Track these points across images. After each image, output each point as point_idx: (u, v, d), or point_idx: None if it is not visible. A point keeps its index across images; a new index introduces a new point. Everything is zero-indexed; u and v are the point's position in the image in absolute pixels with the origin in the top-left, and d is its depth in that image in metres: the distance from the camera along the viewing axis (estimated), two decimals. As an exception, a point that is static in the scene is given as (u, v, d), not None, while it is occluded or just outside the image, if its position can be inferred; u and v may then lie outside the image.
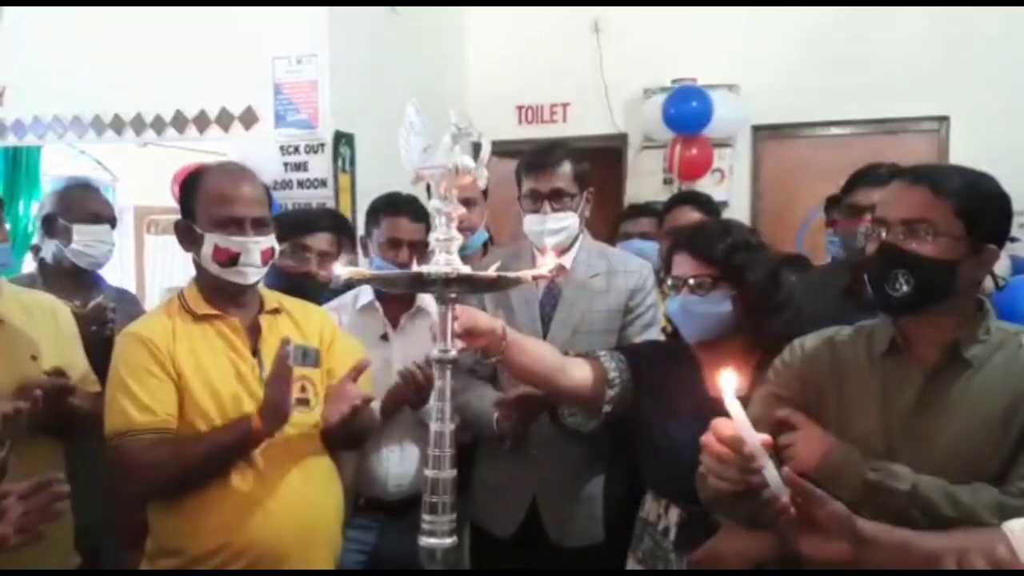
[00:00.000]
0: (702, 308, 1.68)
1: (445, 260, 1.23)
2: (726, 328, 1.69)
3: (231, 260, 1.77)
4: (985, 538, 1.15)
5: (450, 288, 1.22)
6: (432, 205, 1.26)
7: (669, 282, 1.75)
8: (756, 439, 1.12)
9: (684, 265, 1.72)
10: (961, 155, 4.23)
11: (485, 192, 2.73)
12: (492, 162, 1.31)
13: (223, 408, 1.74)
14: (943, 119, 4.69)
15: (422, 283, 1.24)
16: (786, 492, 1.14)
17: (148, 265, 5.62)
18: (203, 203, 1.79)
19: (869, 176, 2.28)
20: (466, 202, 2.67)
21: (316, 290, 2.40)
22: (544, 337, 2.12)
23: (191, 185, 1.83)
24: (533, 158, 2.21)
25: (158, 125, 4.10)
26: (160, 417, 1.70)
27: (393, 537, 2.24)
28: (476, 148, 1.26)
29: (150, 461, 1.69)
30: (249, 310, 1.86)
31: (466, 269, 1.23)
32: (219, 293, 1.83)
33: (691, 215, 2.72)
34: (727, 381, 1.11)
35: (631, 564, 1.77)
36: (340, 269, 1.27)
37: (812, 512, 1.15)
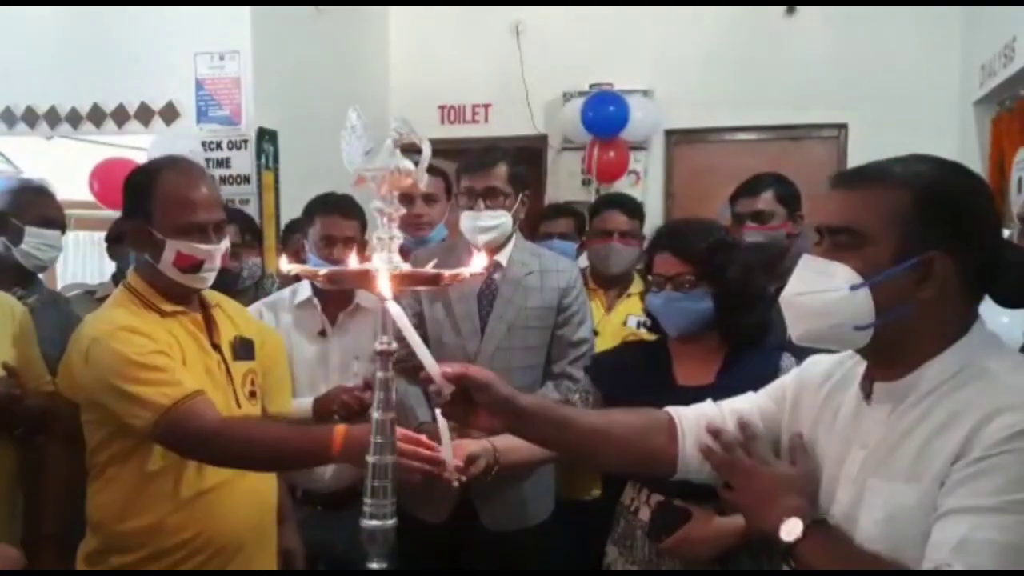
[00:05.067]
0: (684, 304, 1.77)
1: (387, 258, 1.30)
2: (706, 323, 1.78)
3: (194, 267, 1.71)
4: None
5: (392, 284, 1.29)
6: (373, 205, 1.33)
7: (651, 278, 1.83)
8: (417, 341, 1.24)
9: (666, 263, 1.80)
10: (857, 160, 4.46)
11: (449, 191, 2.80)
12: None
13: None
14: (841, 126, 4.98)
15: (367, 279, 1.30)
16: (445, 384, 1.27)
17: (59, 261, 5.42)
18: (162, 206, 1.70)
19: (748, 186, 2.51)
20: (426, 198, 2.75)
21: (230, 282, 2.44)
22: (482, 331, 2.21)
23: (143, 184, 1.73)
24: (471, 158, 2.28)
25: (73, 118, 4.01)
26: (196, 387, 1.64)
27: (324, 530, 2.29)
28: (411, 150, 1.34)
29: (228, 420, 1.64)
30: (197, 305, 1.83)
31: (406, 266, 1.31)
32: (176, 289, 1.76)
33: (618, 218, 2.88)
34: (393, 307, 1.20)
35: (609, 546, 1.85)
36: (286, 266, 1.32)
37: (477, 396, 1.30)
